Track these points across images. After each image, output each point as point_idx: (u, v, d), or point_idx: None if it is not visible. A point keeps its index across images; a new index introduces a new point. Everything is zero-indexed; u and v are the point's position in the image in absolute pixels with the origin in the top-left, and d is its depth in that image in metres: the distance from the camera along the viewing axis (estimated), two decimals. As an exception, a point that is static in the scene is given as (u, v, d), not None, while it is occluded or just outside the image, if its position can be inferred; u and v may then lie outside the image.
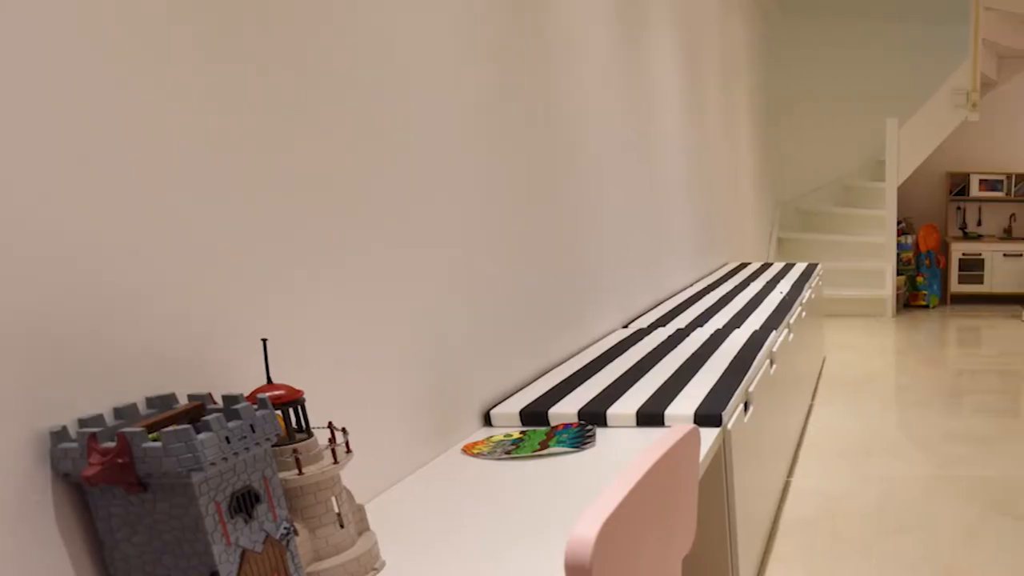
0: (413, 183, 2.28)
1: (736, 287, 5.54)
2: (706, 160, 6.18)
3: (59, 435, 1.28)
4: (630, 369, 3.23)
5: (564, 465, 2.32)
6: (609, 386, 2.98)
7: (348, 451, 1.66)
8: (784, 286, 5.53)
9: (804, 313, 5.20)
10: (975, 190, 10.10)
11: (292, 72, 1.80)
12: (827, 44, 10.10)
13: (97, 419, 1.32)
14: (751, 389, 3.17)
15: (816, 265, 6.74)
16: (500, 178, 2.82)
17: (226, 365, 1.62)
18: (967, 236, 10.17)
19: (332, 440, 1.62)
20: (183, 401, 1.50)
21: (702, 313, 4.50)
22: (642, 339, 3.79)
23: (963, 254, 9.87)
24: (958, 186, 10.17)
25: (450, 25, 2.50)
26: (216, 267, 1.59)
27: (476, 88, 2.66)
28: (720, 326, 4.09)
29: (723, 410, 2.68)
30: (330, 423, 1.64)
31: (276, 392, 1.55)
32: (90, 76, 1.34)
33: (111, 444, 1.27)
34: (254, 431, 1.39)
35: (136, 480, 1.28)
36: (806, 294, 5.39)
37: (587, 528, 1.23)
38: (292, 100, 1.80)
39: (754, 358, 3.36)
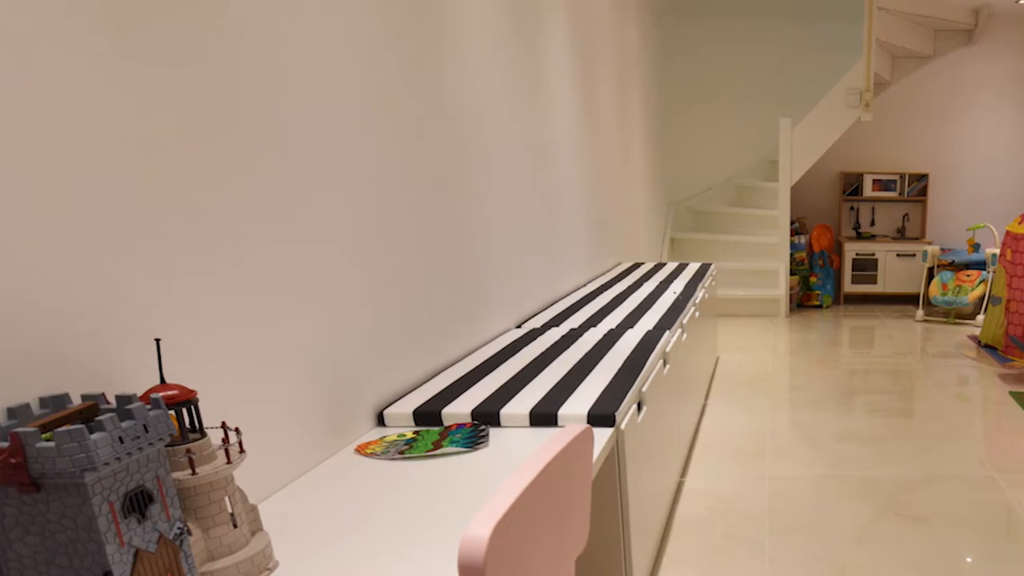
0: (306, 181, 2.33)
1: (629, 287, 5.64)
2: (600, 161, 6.27)
3: (-49, 435, 1.31)
4: (523, 369, 3.30)
5: (457, 465, 2.39)
6: (502, 386, 3.05)
7: (241, 451, 1.71)
8: (678, 286, 5.63)
9: (697, 313, 5.31)
10: (868, 190, 10.34)
11: (177, 69, 1.84)
12: (721, 45, 10.28)
13: (-10, 419, 1.35)
14: (644, 389, 3.26)
15: (710, 265, 6.87)
16: (395, 178, 2.87)
17: (120, 365, 1.66)
18: (860, 236, 10.42)
19: (225, 440, 1.66)
20: (76, 401, 1.53)
21: (595, 313, 4.58)
22: (535, 339, 3.87)
23: (856, 254, 10.07)
24: (851, 186, 10.42)
25: (343, 23, 2.54)
26: (108, 267, 1.63)
27: (370, 88, 2.71)
28: (613, 326, 4.18)
29: (616, 410, 2.75)
30: (223, 423, 1.68)
31: (169, 392, 1.59)
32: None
33: (4, 444, 1.30)
34: (147, 431, 1.43)
35: (29, 480, 1.31)
36: (700, 294, 5.51)
37: (480, 528, 1.28)
38: (179, 98, 1.83)
39: (647, 358, 3.45)
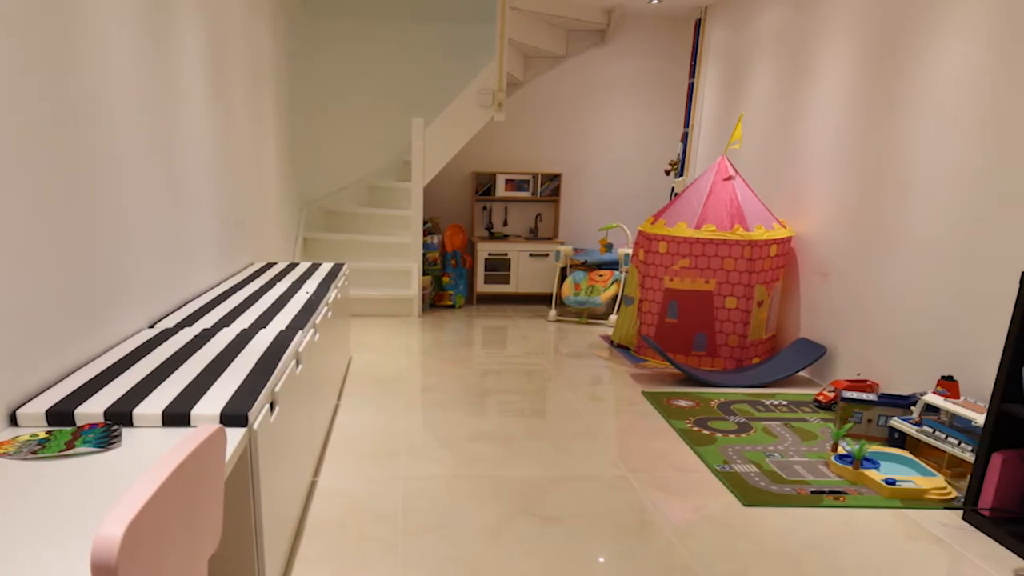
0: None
1: (263, 287, 5.77)
2: (231, 159, 6.28)
3: None
4: (156, 369, 3.41)
5: (90, 465, 2.48)
6: (135, 386, 3.16)
7: None
8: (310, 286, 5.84)
9: (330, 313, 5.54)
10: (501, 190, 10.82)
11: None
12: (355, 45, 10.55)
13: None
14: (277, 389, 3.44)
15: (342, 265, 7.13)
16: (17, 175, 2.90)
17: None
18: (493, 236, 10.88)
19: None
20: None
21: (228, 313, 4.71)
22: (168, 339, 3.96)
23: (489, 254, 10.50)
24: (484, 186, 10.90)
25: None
26: None
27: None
28: (246, 326, 4.35)
29: (249, 410, 2.92)
30: None
31: None
32: None
33: None
34: None
35: None
36: (332, 294, 5.75)
37: (113, 527, 1.35)
38: None
39: (280, 358, 3.66)
